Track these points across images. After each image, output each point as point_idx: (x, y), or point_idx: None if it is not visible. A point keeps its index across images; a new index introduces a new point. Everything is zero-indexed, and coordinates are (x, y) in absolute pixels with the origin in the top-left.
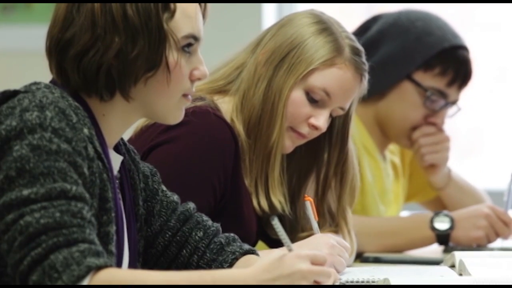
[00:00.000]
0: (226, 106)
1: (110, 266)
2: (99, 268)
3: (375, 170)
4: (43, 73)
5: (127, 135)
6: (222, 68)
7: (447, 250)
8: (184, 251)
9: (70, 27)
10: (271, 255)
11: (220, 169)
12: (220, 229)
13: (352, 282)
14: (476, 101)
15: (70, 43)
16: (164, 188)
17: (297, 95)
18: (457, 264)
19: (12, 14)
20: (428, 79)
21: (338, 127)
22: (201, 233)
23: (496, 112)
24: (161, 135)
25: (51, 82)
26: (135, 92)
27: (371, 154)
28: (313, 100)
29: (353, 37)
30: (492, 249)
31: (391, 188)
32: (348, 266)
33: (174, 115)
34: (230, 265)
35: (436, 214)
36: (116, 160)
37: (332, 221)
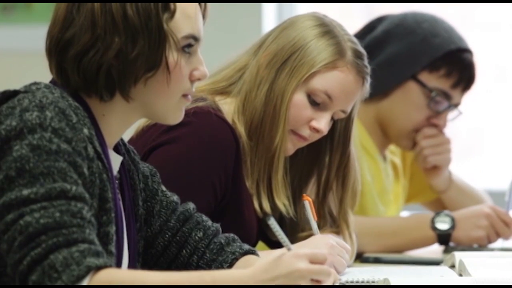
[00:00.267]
0: (228, 107)
1: (110, 266)
2: (98, 268)
3: (375, 170)
4: (43, 73)
5: (128, 135)
6: (224, 70)
7: (447, 250)
8: (184, 251)
9: (70, 27)
10: (270, 255)
11: (220, 169)
12: (220, 229)
13: (352, 282)
14: (476, 101)
15: (70, 43)
16: (164, 189)
17: (299, 98)
18: (457, 264)
19: (12, 14)
20: (433, 80)
21: (340, 130)
22: (201, 233)
23: (496, 112)
24: (162, 135)
25: (51, 82)
26: (135, 92)
27: (370, 154)
28: (314, 103)
29: (356, 40)
30: (492, 250)
31: (391, 188)
32: (348, 267)
33: (174, 115)
34: (230, 265)
35: (437, 214)
36: (115, 160)
37: (333, 223)
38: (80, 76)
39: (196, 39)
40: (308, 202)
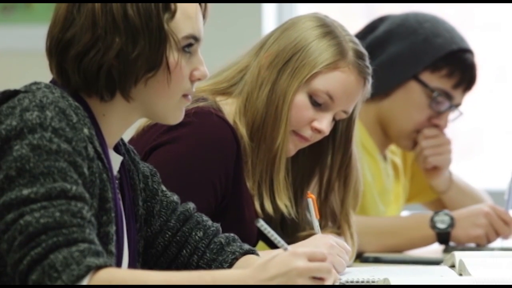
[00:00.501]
0: (229, 107)
1: (110, 266)
2: (98, 267)
3: (375, 170)
4: (43, 73)
5: (128, 135)
6: (226, 71)
7: (447, 250)
8: (184, 251)
9: (70, 27)
10: (270, 255)
11: (221, 169)
12: (220, 229)
13: (352, 282)
14: (476, 101)
15: (70, 43)
16: (164, 188)
17: (301, 99)
18: (457, 264)
19: (12, 14)
20: (435, 80)
21: (342, 131)
22: (201, 233)
23: (496, 112)
24: (163, 135)
25: (51, 82)
26: (135, 92)
27: (370, 154)
28: (316, 104)
29: (357, 41)
30: (492, 249)
31: (392, 188)
32: (348, 266)
33: (174, 115)
34: (230, 265)
35: (436, 213)
36: (116, 160)
37: (334, 223)
38: (81, 76)
39: (196, 39)
40: (311, 200)
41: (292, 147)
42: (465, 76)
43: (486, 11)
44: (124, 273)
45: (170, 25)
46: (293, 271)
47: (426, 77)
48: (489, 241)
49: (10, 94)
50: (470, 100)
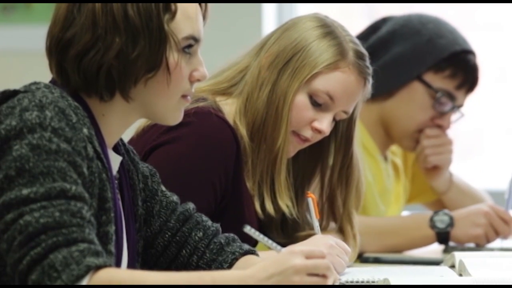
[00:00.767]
0: (229, 108)
1: (110, 266)
2: (98, 267)
3: (375, 170)
4: (43, 73)
5: (128, 135)
6: (226, 71)
7: (447, 250)
8: (184, 251)
9: (70, 27)
10: (271, 255)
11: (221, 169)
12: (220, 229)
13: (352, 282)
14: (476, 101)
15: (70, 43)
16: (164, 189)
17: (301, 99)
18: (457, 264)
19: (12, 14)
20: (438, 81)
21: (342, 131)
22: (201, 233)
23: (497, 112)
24: (163, 135)
25: (51, 82)
26: (135, 93)
27: (371, 154)
28: (316, 104)
29: (357, 41)
30: (492, 249)
31: (392, 188)
32: (348, 267)
33: (174, 116)
34: (230, 265)
35: (436, 213)
36: (115, 160)
37: (335, 224)
38: (80, 76)
39: (196, 40)
40: (311, 200)
41: (292, 148)
42: (468, 77)
43: (486, 11)
44: (124, 273)
45: (170, 26)
46: (290, 269)
47: (430, 77)
48: (488, 241)
49: (10, 94)
50: (470, 100)
